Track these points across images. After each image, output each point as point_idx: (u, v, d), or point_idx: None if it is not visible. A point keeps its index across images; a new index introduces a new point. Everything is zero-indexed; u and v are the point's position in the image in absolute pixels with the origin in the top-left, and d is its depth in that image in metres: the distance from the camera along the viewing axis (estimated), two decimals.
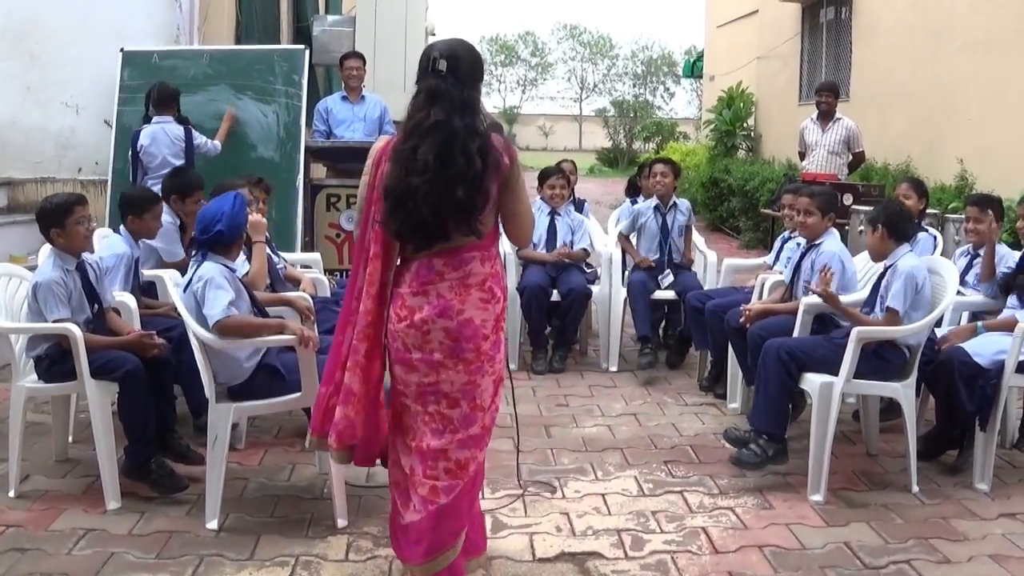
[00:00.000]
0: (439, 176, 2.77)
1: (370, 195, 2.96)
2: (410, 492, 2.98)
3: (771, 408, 4.23)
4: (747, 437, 4.34)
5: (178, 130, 6.55)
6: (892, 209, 4.42)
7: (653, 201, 6.39)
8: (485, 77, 3.09)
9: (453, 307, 2.89)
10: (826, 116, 8.51)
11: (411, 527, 2.97)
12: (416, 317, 2.89)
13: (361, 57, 7.84)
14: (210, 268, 3.84)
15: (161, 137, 6.48)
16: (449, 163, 2.78)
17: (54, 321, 3.89)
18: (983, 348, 4.26)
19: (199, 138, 6.67)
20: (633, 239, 6.52)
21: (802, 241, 5.06)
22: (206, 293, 3.76)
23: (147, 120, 6.63)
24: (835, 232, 4.98)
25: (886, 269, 4.33)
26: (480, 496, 3.27)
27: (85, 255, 4.13)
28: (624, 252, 6.46)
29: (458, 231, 2.86)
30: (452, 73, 2.84)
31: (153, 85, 6.72)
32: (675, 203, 6.37)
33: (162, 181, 5.52)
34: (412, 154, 2.80)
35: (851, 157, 8.51)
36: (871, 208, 4.49)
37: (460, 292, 2.90)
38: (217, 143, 6.82)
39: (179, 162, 6.47)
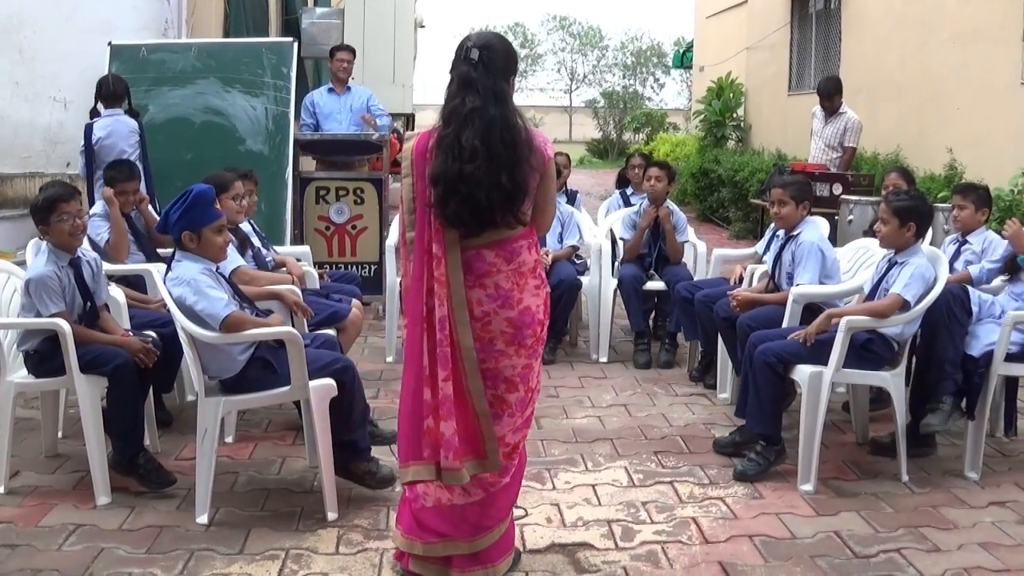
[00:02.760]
0: (488, 162, 2.80)
1: (421, 192, 2.92)
2: None
3: (764, 411, 4.22)
4: (736, 439, 4.39)
5: (132, 123, 6.49)
6: (927, 210, 4.37)
7: (645, 201, 6.33)
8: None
9: (514, 297, 2.95)
10: (830, 111, 8.48)
11: (457, 509, 3.03)
12: (477, 310, 2.93)
13: (352, 50, 7.84)
14: (188, 268, 3.78)
15: (117, 130, 6.40)
16: (493, 150, 2.81)
17: (50, 316, 3.86)
18: (974, 341, 4.25)
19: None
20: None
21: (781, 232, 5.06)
22: (198, 296, 3.70)
23: (96, 113, 6.52)
24: (812, 221, 4.97)
25: (892, 263, 4.29)
26: None
27: (82, 252, 4.08)
28: (613, 244, 6.41)
29: (503, 220, 2.89)
30: (484, 63, 2.86)
31: (103, 77, 6.62)
32: (667, 206, 6.26)
33: (103, 172, 5.47)
34: (456, 140, 2.82)
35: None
36: (893, 196, 4.37)
37: (517, 281, 2.96)
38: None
39: (135, 154, 6.41)
